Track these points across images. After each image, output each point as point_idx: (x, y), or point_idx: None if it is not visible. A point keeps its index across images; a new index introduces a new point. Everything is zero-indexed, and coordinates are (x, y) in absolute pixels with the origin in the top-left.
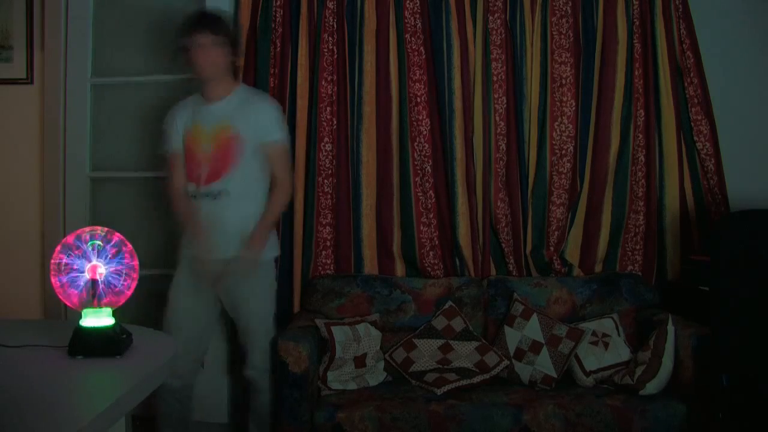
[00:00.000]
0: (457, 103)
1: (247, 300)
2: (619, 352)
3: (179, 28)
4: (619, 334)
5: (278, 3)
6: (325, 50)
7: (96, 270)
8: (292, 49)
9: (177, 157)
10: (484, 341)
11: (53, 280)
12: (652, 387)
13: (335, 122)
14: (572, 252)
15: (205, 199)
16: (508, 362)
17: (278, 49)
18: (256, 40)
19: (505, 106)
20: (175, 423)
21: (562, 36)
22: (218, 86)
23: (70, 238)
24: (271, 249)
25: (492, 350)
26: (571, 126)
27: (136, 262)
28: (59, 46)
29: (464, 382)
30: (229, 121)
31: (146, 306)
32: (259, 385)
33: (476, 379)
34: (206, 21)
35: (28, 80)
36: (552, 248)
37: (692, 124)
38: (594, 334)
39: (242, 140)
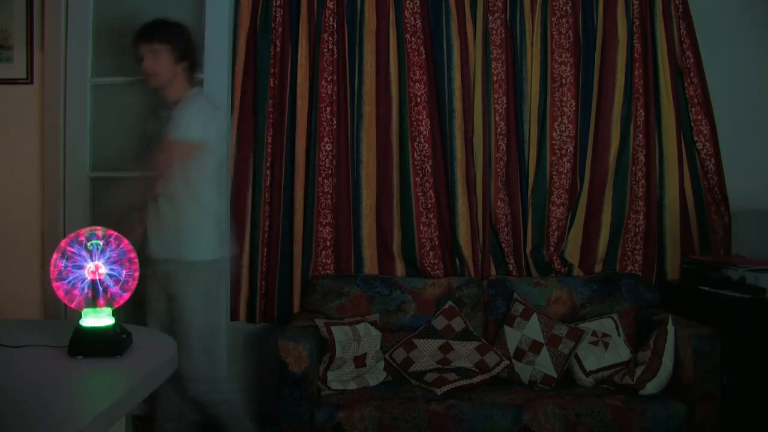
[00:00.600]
0: (457, 103)
1: (177, 302)
2: (619, 352)
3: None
4: (619, 334)
5: (278, 3)
6: (325, 50)
7: (96, 270)
8: (292, 49)
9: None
10: (484, 341)
11: (53, 280)
12: (652, 387)
13: (335, 122)
14: (572, 252)
15: (151, 202)
16: (508, 362)
17: (278, 49)
18: (256, 40)
19: (505, 106)
20: (174, 420)
21: (562, 36)
22: (168, 92)
23: (69, 239)
24: (202, 251)
25: (492, 350)
26: (571, 126)
27: (136, 262)
28: (59, 46)
29: (464, 382)
30: (169, 126)
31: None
32: (210, 398)
33: (476, 379)
34: (147, 31)
35: (28, 80)
36: (552, 248)
37: (692, 124)
38: (594, 334)
39: (189, 145)
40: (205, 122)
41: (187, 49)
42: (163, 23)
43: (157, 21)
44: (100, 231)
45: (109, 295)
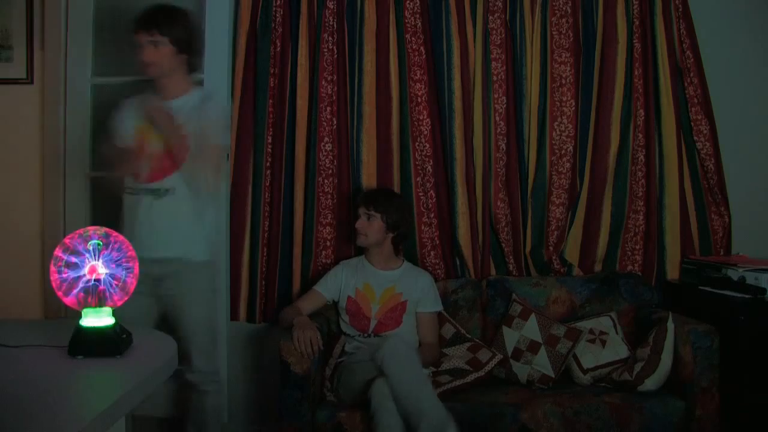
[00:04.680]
0: (457, 103)
1: (185, 305)
2: (617, 349)
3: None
4: (617, 332)
5: (278, 3)
6: (325, 50)
7: (96, 270)
8: (292, 49)
9: (128, 152)
10: (476, 340)
11: (53, 280)
12: (650, 383)
13: (335, 122)
14: (572, 252)
15: (147, 196)
16: (501, 356)
17: (278, 49)
18: (256, 40)
19: (505, 106)
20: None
21: (562, 36)
22: (168, 85)
23: (69, 239)
24: (204, 251)
25: (484, 347)
26: (570, 126)
27: (136, 262)
28: (59, 46)
29: (458, 383)
30: (182, 121)
31: None
32: (200, 387)
33: (470, 378)
34: (149, 20)
35: (28, 80)
36: (551, 248)
37: (692, 124)
38: (591, 332)
39: (191, 139)
40: (228, 125)
41: (190, 39)
42: (169, 11)
43: (160, 9)
44: (100, 230)
45: (109, 295)
